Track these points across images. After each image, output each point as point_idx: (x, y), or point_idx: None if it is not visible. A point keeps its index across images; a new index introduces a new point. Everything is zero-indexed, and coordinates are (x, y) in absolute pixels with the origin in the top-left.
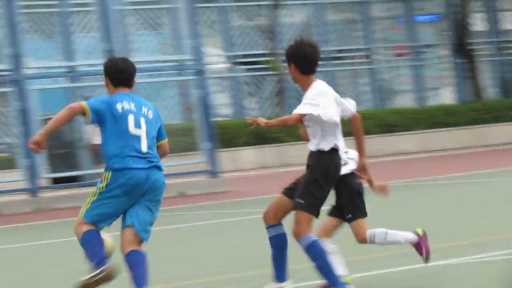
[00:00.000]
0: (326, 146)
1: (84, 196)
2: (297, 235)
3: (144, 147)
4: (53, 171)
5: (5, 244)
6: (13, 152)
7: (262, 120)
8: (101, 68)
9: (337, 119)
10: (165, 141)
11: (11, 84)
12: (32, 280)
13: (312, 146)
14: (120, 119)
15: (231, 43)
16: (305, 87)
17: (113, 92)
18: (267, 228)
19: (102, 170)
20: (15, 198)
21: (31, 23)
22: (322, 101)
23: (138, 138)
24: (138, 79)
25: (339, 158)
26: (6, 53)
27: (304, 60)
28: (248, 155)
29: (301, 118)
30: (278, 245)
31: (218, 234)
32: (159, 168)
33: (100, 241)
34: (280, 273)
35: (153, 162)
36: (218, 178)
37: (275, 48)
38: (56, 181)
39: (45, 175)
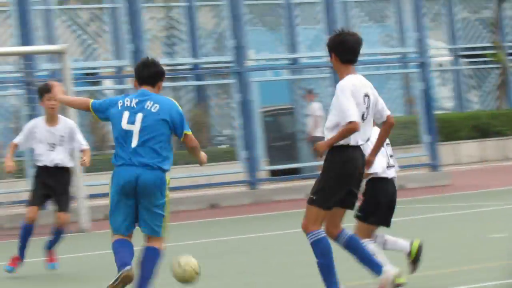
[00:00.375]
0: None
1: (304, 189)
2: (305, 229)
3: (134, 143)
4: (273, 163)
5: (223, 236)
6: (233, 144)
7: (320, 146)
8: (325, 60)
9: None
10: (186, 134)
11: (233, 76)
12: (254, 270)
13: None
14: (117, 116)
15: (455, 35)
16: (342, 76)
17: (137, 89)
18: (335, 240)
19: (322, 162)
20: (234, 190)
21: (255, 14)
22: (352, 100)
23: (130, 133)
24: (363, 71)
25: (355, 154)
26: (229, 44)
27: (344, 49)
28: (469, 149)
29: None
30: (354, 247)
31: (438, 228)
32: (152, 167)
33: (127, 248)
34: (376, 267)
35: (144, 161)
36: (439, 171)
37: (499, 41)
38: (275, 173)
39: (265, 167)
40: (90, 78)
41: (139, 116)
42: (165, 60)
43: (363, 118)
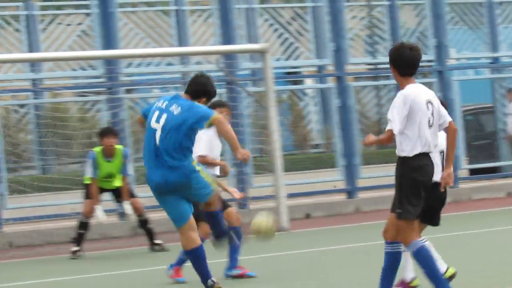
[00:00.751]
0: (408, 152)
1: (504, 187)
2: (404, 243)
3: (157, 141)
4: (473, 162)
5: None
6: None
7: (368, 139)
8: None
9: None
10: (210, 121)
11: (434, 75)
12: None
13: (397, 151)
14: (150, 115)
15: None
16: (402, 87)
17: None
18: (386, 243)
19: None
20: None
21: (456, 13)
22: (403, 111)
23: (155, 131)
24: None
25: (424, 162)
26: (430, 43)
27: (402, 63)
28: None
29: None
30: (391, 261)
31: None
32: (176, 167)
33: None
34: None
35: (166, 160)
36: None
37: None
38: (475, 171)
39: (465, 166)
40: (292, 77)
41: (164, 116)
42: (367, 59)
43: (429, 124)
